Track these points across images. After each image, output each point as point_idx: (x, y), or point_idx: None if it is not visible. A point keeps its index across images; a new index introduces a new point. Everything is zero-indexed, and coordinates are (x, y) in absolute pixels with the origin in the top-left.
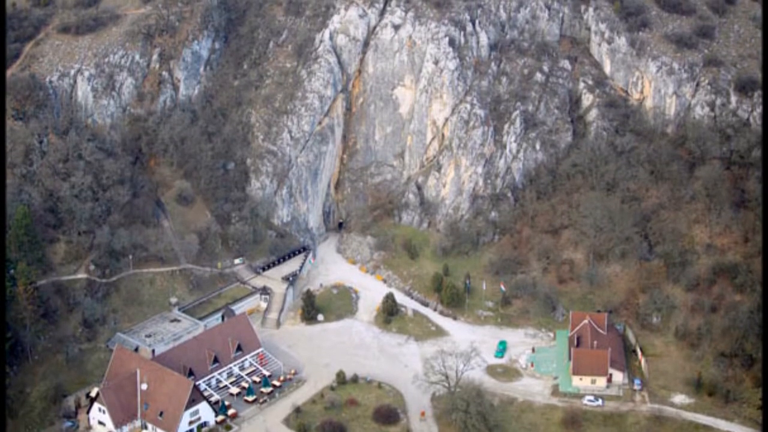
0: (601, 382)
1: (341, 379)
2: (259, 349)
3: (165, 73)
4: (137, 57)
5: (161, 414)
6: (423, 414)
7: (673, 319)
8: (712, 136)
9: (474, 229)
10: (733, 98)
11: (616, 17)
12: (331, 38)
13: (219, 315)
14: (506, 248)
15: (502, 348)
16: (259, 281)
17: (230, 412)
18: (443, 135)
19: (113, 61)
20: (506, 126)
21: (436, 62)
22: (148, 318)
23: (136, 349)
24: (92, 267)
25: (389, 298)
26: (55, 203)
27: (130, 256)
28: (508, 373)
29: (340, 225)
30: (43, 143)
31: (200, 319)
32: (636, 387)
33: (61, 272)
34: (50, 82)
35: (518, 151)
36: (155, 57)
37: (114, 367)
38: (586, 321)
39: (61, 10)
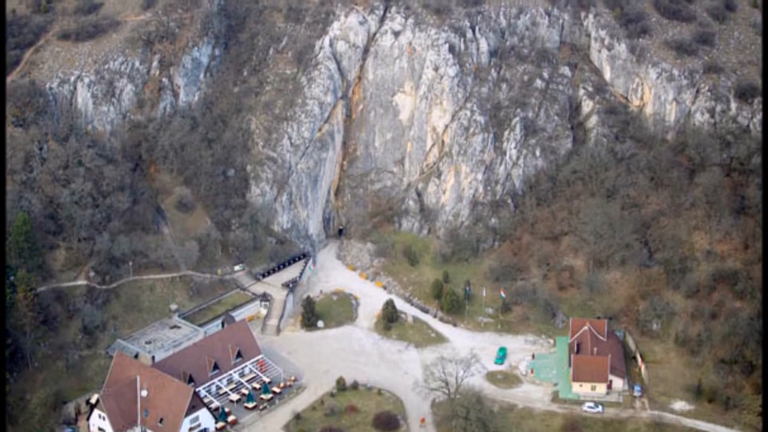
0: (601, 388)
1: (341, 385)
2: (259, 356)
3: (165, 80)
4: (137, 63)
5: (161, 420)
6: (423, 421)
7: (673, 325)
8: (712, 143)
9: (474, 235)
10: (733, 105)
11: (616, 24)
12: (331, 45)
13: (219, 321)
14: (506, 255)
15: (502, 354)
16: (259, 288)
17: (230, 418)
18: (443, 141)
19: (113, 68)
20: (506, 132)
21: (436, 69)
22: (148, 325)
23: (136, 356)
24: (92, 274)
25: (389, 304)
26: (55, 210)
27: (130, 263)
28: (508, 379)
29: (340, 231)
30: (43, 150)
31: (200, 325)
32: (636, 393)
33: (61, 279)
34: (50, 88)
35: (518, 158)
36: (155, 63)
37: (114, 373)
38: (586, 327)
39: (61, 17)
